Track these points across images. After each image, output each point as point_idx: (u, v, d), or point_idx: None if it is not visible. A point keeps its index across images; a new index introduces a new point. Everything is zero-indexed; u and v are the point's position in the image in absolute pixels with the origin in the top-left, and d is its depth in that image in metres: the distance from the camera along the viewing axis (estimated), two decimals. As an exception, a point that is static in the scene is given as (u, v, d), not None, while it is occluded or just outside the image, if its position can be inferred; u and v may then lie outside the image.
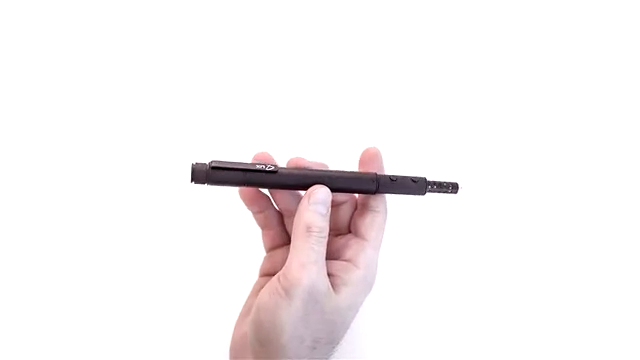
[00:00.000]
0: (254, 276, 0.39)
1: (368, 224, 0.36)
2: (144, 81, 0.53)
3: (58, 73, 0.52)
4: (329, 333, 0.33)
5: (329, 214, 0.34)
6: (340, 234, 0.38)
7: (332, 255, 0.36)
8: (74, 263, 0.46)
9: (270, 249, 0.39)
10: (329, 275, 0.34)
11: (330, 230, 0.37)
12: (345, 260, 0.35)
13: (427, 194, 0.37)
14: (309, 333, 0.32)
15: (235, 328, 0.37)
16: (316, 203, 0.34)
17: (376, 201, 0.36)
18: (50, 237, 0.47)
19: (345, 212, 0.37)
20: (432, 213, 0.49)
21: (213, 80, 0.55)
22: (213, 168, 0.33)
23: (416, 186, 0.36)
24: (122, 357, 0.42)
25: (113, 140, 0.51)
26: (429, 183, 0.36)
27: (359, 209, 0.37)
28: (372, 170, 0.36)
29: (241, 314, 0.37)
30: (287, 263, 0.33)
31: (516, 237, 0.48)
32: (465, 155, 0.52)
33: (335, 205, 0.37)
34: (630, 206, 0.51)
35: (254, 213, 0.38)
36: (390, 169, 0.37)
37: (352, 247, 0.35)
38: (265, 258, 0.39)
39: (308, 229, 0.33)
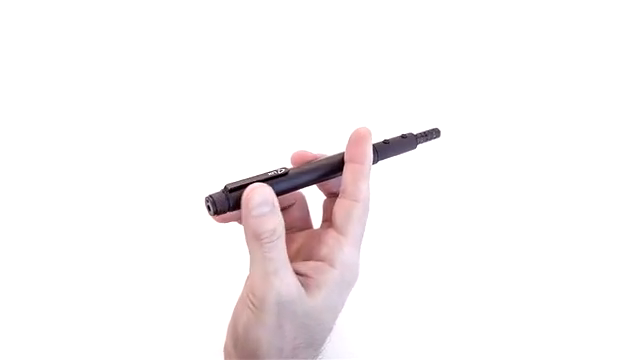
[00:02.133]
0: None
1: (345, 216, 0.34)
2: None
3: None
4: (307, 337, 0.33)
5: (277, 208, 0.31)
6: (311, 227, 0.37)
7: (306, 252, 0.35)
8: (74, 265, 0.47)
9: None
10: (302, 275, 0.33)
11: (323, 222, 0.38)
12: (320, 259, 0.34)
13: (418, 147, 0.38)
14: (286, 342, 0.32)
15: (227, 330, 0.36)
16: (255, 207, 0.31)
17: (355, 188, 0.33)
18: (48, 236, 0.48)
19: (294, 213, 0.37)
20: (418, 208, 0.50)
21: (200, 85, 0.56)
22: (231, 191, 0.31)
23: (407, 142, 0.37)
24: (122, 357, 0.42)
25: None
26: (416, 135, 0.38)
27: (338, 198, 0.35)
28: (361, 150, 0.34)
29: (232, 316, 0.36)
30: (250, 276, 0.32)
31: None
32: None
33: (332, 196, 0.37)
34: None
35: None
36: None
37: (328, 243, 0.34)
38: None
39: (257, 238, 0.31)
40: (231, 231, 0.44)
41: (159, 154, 0.53)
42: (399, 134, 0.37)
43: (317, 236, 0.36)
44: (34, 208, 0.50)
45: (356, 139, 0.34)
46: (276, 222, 0.31)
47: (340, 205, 0.34)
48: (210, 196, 0.32)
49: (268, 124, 0.54)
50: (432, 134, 0.38)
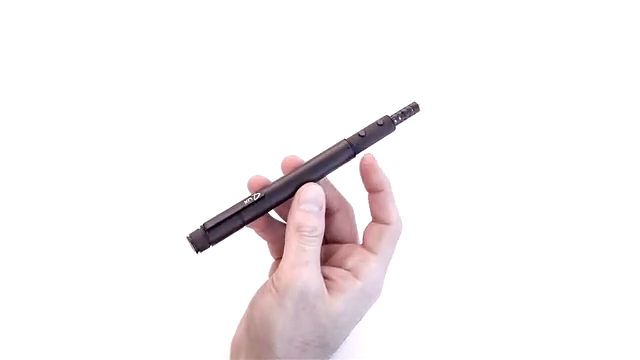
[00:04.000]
0: (259, 277, 0.38)
1: (376, 236, 0.35)
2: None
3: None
4: (320, 336, 0.33)
5: (323, 212, 0.34)
6: (341, 242, 0.37)
7: (336, 262, 0.36)
8: (72, 266, 0.46)
9: (278, 258, 0.39)
10: (328, 279, 0.34)
11: (331, 240, 0.38)
12: (347, 269, 0.35)
13: (397, 128, 0.36)
14: (299, 334, 0.32)
15: (238, 326, 0.36)
16: (306, 202, 0.34)
17: (384, 214, 0.35)
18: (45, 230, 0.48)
19: (340, 221, 0.37)
20: (429, 214, 0.49)
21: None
22: (208, 230, 0.33)
23: (385, 127, 0.36)
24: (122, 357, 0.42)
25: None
26: (393, 117, 0.36)
27: (370, 222, 0.36)
28: (376, 179, 0.35)
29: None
30: (280, 264, 0.33)
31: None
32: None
33: (328, 215, 0.37)
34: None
35: (256, 232, 0.38)
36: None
37: (355, 257, 0.35)
38: (274, 263, 0.39)
39: (298, 229, 0.33)
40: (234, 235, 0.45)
41: (158, 155, 0.54)
42: (374, 121, 0.36)
43: (342, 250, 0.37)
44: (34, 213, 0.50)
45: (366, 169, 0.35)
46: (319, 222, 0.34)
47: (371, 228, 0.36)
48: (189, 235, 0.34)
49: (259, 125, 0.55)
50: (410, 111, 0.37)
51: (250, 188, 0.36)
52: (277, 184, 0.35)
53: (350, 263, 0.35)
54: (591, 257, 0.47)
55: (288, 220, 0.34)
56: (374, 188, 0.35)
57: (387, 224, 0.35)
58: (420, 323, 0.43)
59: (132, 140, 0.55)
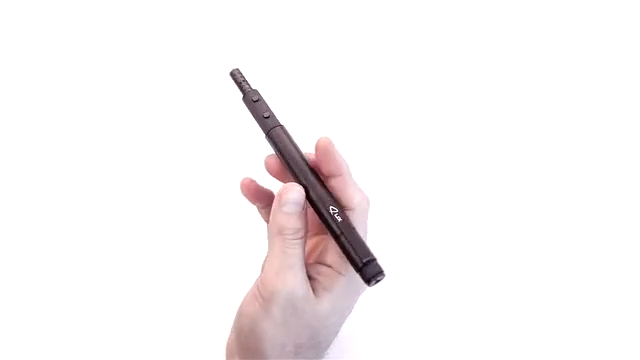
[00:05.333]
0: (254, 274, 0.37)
1: None
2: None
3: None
4: (311, 338, 0.33)
5: (303, 212, 0.33)
6: (318, 234, 0.37)
7: (316, 257, 0.35)
8: (69, 267, 0.46)
9: None
10: (311, 278, 0.33)
11: (314, 230, 0.37)
12: (327, 265, 0.34)
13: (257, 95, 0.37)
14: (290, 339, 0.32)
15: (230, 330, 0.36)
16: (286, 203, 0.32)
17: (345, 198, 0.33)
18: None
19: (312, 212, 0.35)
20: (420, 208, 0.49)
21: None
22: (369, 261, 0.31)
23: (258, 99, 0.37)
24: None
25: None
26: (247, 91, 0.37)
27: None
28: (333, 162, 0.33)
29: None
30: (264, 269, 0.33)
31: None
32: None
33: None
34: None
35: (259, 208, 0.37)
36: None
37: (332, 251, 0.34)
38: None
39: (280, 232, 0.32)
40: (234, 231, 0.46)
41: (156, 154, 0.54)
42: (250, 102, 0.37)
43: (322, 243, 0.36)
44: (35, 210, 0.50)
45: (323, 153, 0.33)
46: (302, 223, 0.33)
47: None
48: (375, 281, 0.32)
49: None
50: (236, 76, 0.38)
51: (243, 189, 0.36)
52: (318, 188, 0.34)
53: (329, 258, 0.34)
54: (577, 246, 0.47)
55: (270, 221, 0.33)
56: (332, 172, 0.33)
57: (350, 209, 0.33)
58: (412, 315, 0.43)
59: (126, 138, 0.55)
